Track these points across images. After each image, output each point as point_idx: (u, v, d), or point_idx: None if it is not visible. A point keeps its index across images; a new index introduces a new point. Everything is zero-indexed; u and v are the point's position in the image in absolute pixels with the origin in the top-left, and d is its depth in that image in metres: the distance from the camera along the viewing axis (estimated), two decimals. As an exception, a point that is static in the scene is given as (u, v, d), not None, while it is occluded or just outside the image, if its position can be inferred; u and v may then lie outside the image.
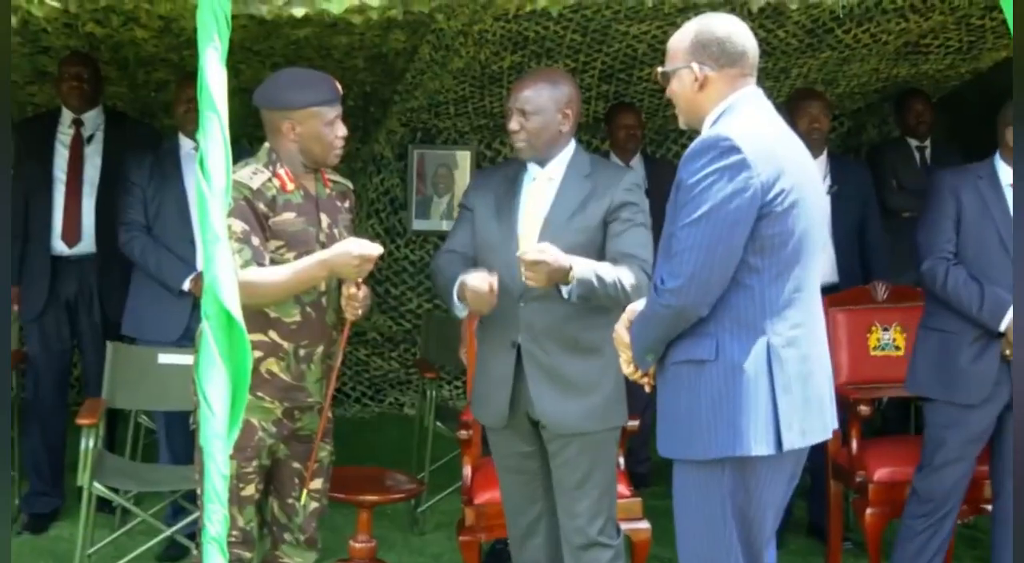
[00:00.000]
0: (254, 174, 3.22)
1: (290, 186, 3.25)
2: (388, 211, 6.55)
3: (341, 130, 3.27)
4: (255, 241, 3.16)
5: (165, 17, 4.17)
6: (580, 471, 3.37)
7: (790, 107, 4.67)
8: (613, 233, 3.34)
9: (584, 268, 3.20)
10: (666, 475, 2.98)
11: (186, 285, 4.43)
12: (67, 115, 4.82)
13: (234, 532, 3.14)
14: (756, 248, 2.69)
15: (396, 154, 6.48)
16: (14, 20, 2.95)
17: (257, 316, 3.15)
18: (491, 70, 5.54)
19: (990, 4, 3.55)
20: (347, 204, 3.43)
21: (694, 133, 2.84)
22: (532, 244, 3.23)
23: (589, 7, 4.11)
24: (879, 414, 5.47)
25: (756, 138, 2.69)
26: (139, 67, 5.19)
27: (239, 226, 3.13)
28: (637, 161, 5.39)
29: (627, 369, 2.91)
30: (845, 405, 4.01)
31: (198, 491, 3.22)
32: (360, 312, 3.26)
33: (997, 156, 3.94)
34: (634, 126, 5.39)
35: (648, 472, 5.33)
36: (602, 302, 3.24)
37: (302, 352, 3.27)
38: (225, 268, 2.80)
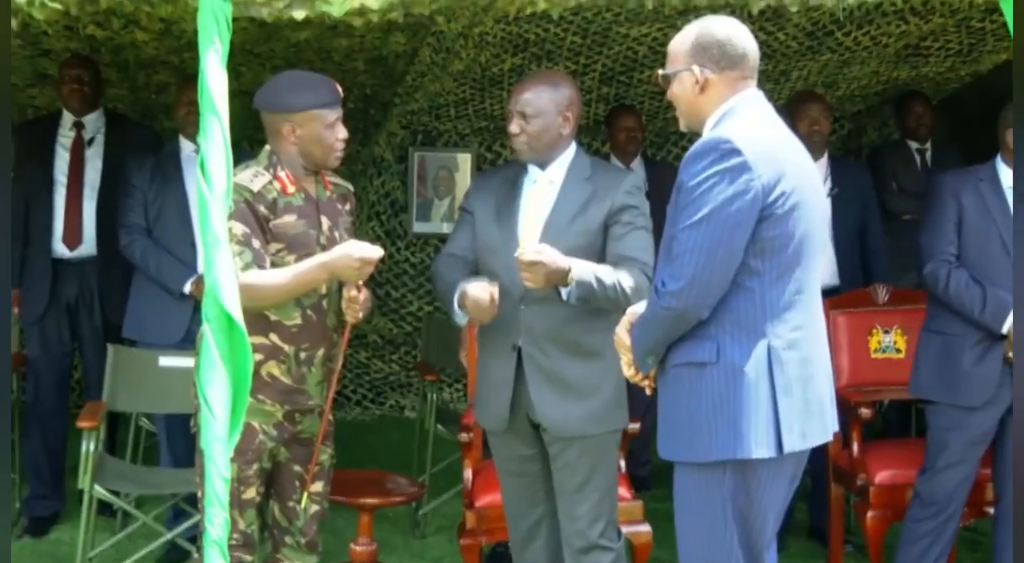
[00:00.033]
0: (255, 177, 3.22)
1: (291, 189, 3.25)
2: (389, 213, 6.55)
3: (342, 133, 3.27)
4: (256, 244, 3.15)
5: (166, 20, 4.17)
6: (581, 474, 3.37)
7: (790, 109, 4.67)
8: (614, 236, 3.34)
9: (583, 270, 3.20)
10: (667, 478, 2.97)
11: (187, 288, 4.42)
12: (68, 118, 4.82)
13: (235, 535, 3.14)
14: (757, 250, 2.69)
15: (397, 156, 6.48)
16: (15, 22, 2.95)
17: (258, 319, 3.15)
18: (491, 72, 5.54)
19: (990, 7, 3.54)
20: (348, 206, 3.43)
21: (694, 135, 2.84)
22: (530, 245, 3.23)
23: (590, 9, 4.11)
24: (880, 417, 5.47)
25: (757, 140, 2.69)
26: (140, 69, 5.19)
27: (240, 229, 3.13)
28: (637, 163, 5.39)
29: (628, 371, 2.91)
30: (846, 408, 4.01)
31: (199, 494, 3.21)
32: (361, 315, 3.25)
33: (998, 158, 3.94)
34: (634, 128, 5.39)
35: (649, 475, 5.33)
36: (601, 304, 3.24)
37: (303, 355, 3.27)
38: (226, 271, 2.80)
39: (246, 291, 2.92)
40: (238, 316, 2.80)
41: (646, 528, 3.90)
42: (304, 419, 3.33)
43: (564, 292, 3.21)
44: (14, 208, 4.37)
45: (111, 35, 4.71)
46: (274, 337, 3.23)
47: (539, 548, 3.53)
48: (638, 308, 2.86)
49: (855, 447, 4.19)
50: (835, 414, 2.86)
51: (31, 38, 4.71)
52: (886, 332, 4.52)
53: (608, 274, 3.23)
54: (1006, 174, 3.88)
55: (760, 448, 2.68)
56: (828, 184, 4.73)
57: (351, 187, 3.50)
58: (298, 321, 3.25)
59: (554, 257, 3.15)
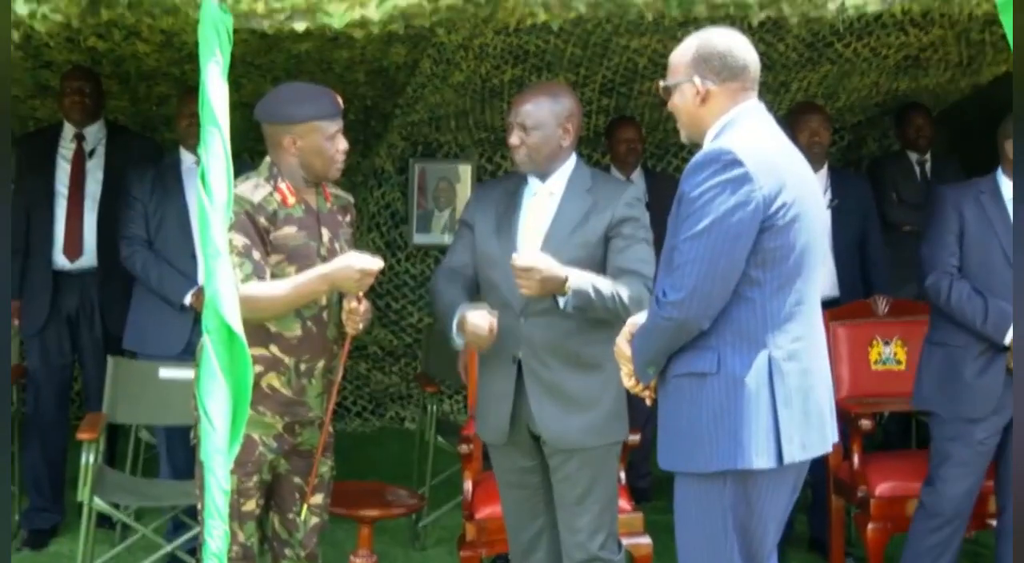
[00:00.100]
0: (255, 188, 3.22)
1: (291, 200, 3.25)
2: (389, 225, 6.55)
3: (342, 144, 3.28)
4: (256, 255, 3.15)
5: (167, 31, 4.18)
6: (581, 486, 3.36)
7: (791, 121, 4.68)
8: (615, 249, 3.33)
9: (581, 279, 3.19)
10: (667, 490, 2.97)
11: (187, 299, 4.42)
12: (69, 129, 4.83)
13: (235, 547, 3.13)
14: (758, 261, 2.69)
15: (397, 168, 6.48)
16: (16, 35, 2.95)
17: (258, 330, 3.15)
18: (492, 84, 5.55)
19: (990, 19, 3.55)
20: (348, 218, 3.43)
21: (695, 147, 2.84)
22: (526, 251, 3.23)
23: (590, 21, 4.13)
24: (880, 428, 5.46)
25: (758, 152, 2.70)
26: (141, 81, 5.20)
27: (240, 240, 3.13)
28: (638, 175, 5.39)
29: (628, 382, 2.91)
30: (846, 419, 4.01)
31: (199, 506, 3.21)
32: (361, 326, 3.25)
33: (999, 170, 3.94)
34: (635, 140, 5.39)
35: (649, 487, 5.32)
36: (599, 315, 3.24)
37: (303, 367, 3.27)
38: (226, 282, 2.80)
39: (246, 303, 2.92)
40: (238, 328, 2.79)
41: (646, 540, 3.90)
42: (304, 431, 3.33)
43: (561, 301, 3.21)
44: (15, 220, 4.37)
45: (112, 47, 4.72)
46: (274, 349, 3.23)
47: (539, 560, 3.52)
48: (638, 319, 2.86)
49: (856, 459, 4.18)
50: (835, 425, 2.86)
51: (32, 50, 4.72)
52: (886, 343, 4.52)
53: (606, 284, 3.23)
54: (1007, 186, 3.88)
55: (760, 458, 2.68)
56: (828, 195, 4.73)
57: (351, 198, 3.50)
58: (298, 333, 3.24)
59: (549, 263, 3.15)
